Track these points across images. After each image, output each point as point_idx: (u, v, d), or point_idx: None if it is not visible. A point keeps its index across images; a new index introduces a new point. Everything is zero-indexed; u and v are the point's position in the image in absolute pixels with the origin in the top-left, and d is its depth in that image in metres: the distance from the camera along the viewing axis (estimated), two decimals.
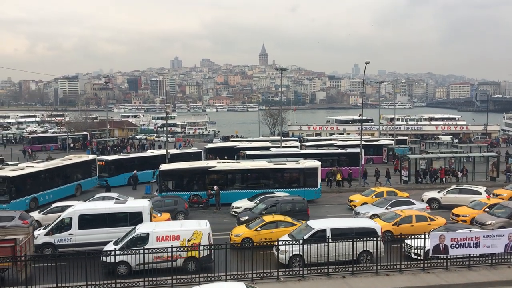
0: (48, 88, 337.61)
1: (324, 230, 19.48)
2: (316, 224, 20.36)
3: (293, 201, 27.21)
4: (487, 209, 26.40)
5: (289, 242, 18.58)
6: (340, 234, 19.11)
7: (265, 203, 27.04)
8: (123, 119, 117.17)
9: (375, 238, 18.81)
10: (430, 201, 31.46)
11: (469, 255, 18.40)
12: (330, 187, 38.97)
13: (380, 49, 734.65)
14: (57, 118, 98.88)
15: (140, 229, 19.55)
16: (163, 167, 33.60)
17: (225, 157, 45.48)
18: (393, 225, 23.35)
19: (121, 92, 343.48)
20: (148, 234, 18.91)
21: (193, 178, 33.47)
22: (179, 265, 18.07)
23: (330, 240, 18.22)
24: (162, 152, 45.73)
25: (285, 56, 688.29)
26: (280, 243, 18.65)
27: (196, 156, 46.36)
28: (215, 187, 31.79)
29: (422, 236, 18.62)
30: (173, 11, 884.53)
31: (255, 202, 28.90)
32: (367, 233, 19.31)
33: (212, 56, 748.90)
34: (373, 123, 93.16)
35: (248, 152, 43.59)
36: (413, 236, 19.59)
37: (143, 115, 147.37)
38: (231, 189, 32.78)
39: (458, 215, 26.70)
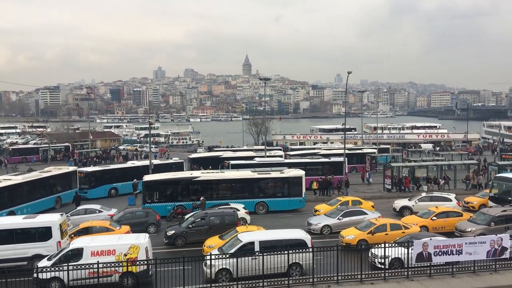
0: (29, 99, 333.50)
1: (252, 243, 19.15)
2: (245, 236, 19.95)
3: (222, 214, 26.65)
4: (434, 218, 26.58)
5: (216, 256, 18.00)
6: (269, 247, 18.84)
7: (194, 216, 26.57)
8: (105, 130, 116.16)
9: (304, 250, 18.70)
10: (402, 209, 31.65)
11: (452, 262, 18.62)
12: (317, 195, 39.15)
13: (362, 58, 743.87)
14: (38, 129, 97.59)
15: (75, 243, 19.09)
16: (147, 177, 33.35)
17: (210, 167, 45.32)
18: (368, 233, 23.32)
19: (104, 103, 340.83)
20: (82, 248, 18.38)
21: (177, 189, 33.25)
22: (115, 280, 17.54)
23: (258, 253, 17.98)
24: (144, 162, 45.47)
25: (269, 66, 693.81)
26: (207, 257, 18.31)
27: (177, 167, 46.08)
28: (202, 198, 31.65)
29: (382, 245, 18.80)
30: (158, 21, 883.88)
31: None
32: (296, 245, 18.96)
33: (196, 66, 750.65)
34: (356, 132, 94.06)
35: (232, 162, 43.59)
36: (376, 246, 19.66)
37: (126, 125, 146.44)
38: (216, 199, 32.58)
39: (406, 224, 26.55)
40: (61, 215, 22.89)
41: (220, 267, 18.12)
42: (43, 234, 21.18)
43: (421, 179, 42.01)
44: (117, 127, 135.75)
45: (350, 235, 23.60)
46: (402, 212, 31.43)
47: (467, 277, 18.39)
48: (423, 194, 33.53)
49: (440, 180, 41.75)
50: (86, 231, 23.58)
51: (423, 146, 77.18)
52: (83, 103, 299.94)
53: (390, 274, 18.38)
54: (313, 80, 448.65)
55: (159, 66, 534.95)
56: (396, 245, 19.15)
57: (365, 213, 27.68)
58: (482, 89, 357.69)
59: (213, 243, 22.22)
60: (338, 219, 27.06)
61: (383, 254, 19.08)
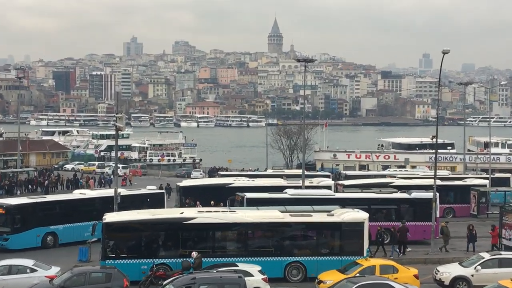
0: None
1: None
2: None
3: (221, 281, 26.17)
4: None
5: None
6: None
7: (174, 283, 26.21)
8: (44, 137, 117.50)
9: None
10: (455, 281, 30.85)
11: None
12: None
13: (466, 30, 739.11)
14: None
15: None
16: (110, 218, 33.43)
17: (211, 202, 45.59)
18: None
19: (43, 93, 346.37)
20: None
21: (158, 238, 33.52)
22: None
23: None
24: (100, 193, 46.06)
25: (310, 39, 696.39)
26: None
27: (154, 199, 46.54)
28: (193, 253, 31.59)
29: None
30: None
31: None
32: None
33: (193, 37, 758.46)
34: (454, 151, 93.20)
35: (248, 195, 43.54)
36: None
37: (77, 131, 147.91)
38: (220, 256, 32.71)
39: None
40: None
41: None
42: None
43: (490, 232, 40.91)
44: (64, 133, 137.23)
45: None
46: (455, 286, 30.66)
47: None
48: (487, 256, 32.76)
49: None
50: None
51: None
52: (9, 94, 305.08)
53: None
54: (383, 63, 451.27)
55: (134, 37, 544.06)
56: None
57: None
58: None
59: None
60: None
61: None
